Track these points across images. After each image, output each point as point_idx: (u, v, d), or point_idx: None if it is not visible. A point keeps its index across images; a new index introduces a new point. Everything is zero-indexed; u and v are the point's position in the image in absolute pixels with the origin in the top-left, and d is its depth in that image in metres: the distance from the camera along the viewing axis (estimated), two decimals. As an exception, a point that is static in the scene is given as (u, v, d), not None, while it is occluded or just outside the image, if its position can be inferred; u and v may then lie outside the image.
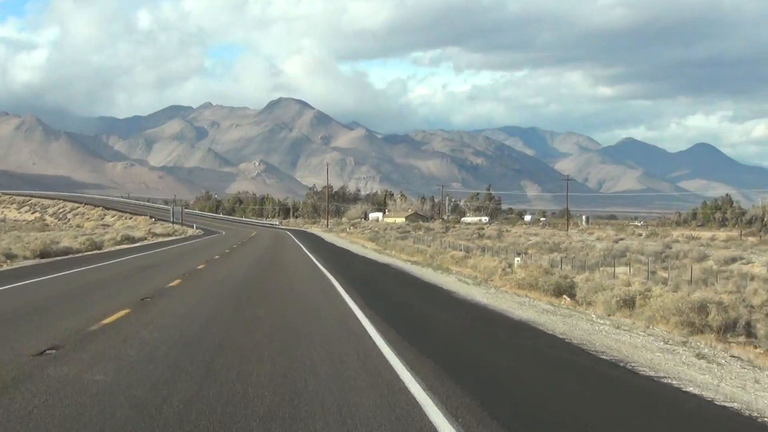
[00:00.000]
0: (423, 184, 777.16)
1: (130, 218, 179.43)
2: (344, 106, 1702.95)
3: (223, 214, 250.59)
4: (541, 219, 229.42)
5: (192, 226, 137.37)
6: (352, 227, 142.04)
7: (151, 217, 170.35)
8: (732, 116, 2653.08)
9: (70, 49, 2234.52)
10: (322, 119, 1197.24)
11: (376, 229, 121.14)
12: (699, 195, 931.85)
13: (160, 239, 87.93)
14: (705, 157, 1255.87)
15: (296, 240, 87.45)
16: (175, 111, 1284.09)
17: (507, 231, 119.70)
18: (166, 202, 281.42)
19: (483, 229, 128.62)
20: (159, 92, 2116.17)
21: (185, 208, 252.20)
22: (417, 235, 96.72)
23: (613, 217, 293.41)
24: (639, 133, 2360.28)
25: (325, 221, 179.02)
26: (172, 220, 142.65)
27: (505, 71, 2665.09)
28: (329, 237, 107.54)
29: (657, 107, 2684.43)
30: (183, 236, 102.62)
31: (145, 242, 76.80)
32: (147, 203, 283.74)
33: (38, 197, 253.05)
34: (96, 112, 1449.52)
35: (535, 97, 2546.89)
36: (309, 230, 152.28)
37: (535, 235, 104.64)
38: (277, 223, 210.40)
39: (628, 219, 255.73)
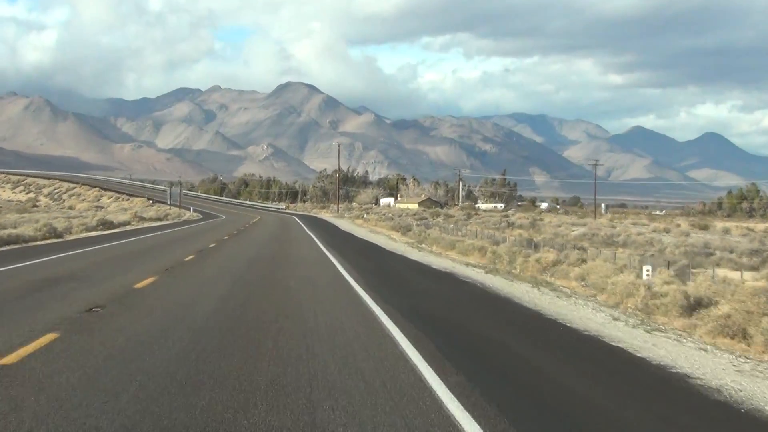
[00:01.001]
0: (431, 170, 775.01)
1: (128, 200, 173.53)
2: (353, 90, 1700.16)
3: (228, 197, 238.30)
4: (556, 206, 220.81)
5: (190, 209, 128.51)
6: (366, 213, 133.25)
7: (149, 199, 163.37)
8: (741, 106, 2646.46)
9: (79, 30, 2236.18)
10: (331, 104, 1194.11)
11: (390, 215, 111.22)
12: (707, 185, 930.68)
13: (147, 224, 78.82)
14: (714, 146, 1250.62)
15: (306, 228, 69.93)
16: (183, 93, 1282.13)
17: (539, 220, 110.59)
18: (171, 184, 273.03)
19: (508, 216, 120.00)
20: (168, 74, 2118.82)
21: (189, 191, 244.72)
22: (435, 222, 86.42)
23: (623, 205, 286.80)
24: (648, 121, 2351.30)
25: (335, 206, 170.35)
26: (169, 202, 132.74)
27: (515, 58, 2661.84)
28: (344, 225, 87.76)
29: (667, 96, 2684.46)
30: (175, 221, 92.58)
31: (128, 228, 66.84)
32: (148, 185, 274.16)
33: (34, 177, 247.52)
34: (104, 93, 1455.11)
35: (544, 84, 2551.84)
36: (319, 216, 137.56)
37: (573, 224, 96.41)
38: (284, 207, 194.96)
39: (638, 208, 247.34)
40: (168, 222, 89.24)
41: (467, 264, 32.61)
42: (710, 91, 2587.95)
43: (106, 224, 63.28)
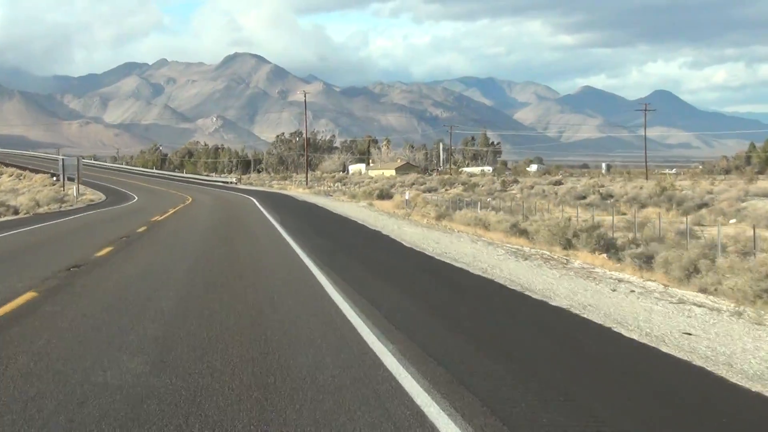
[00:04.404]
0: (382, 137, 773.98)
1: (30, 177, 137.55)
2: (302, 60, 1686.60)
3: (170, 170, 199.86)
4: (538, 166, 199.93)
5: (93, 189, 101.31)
6: (344, 185, 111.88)
7: (52, 176, 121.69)
8: (692, 62, 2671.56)
9: (26, 6, 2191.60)
10: (279, 74, 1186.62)
11: (381, 186, 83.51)
12: (659, 143, 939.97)
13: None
14: (664, 104, 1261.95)
15: (276, 224, 37.11)
16: (130, 68, 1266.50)
17: (670, 189, 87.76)
18: (114, 159, 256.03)
19: (561, 184, 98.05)
20: (116, 50, 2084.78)
21: (115, 164, 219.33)
22: (454, 195, 66.21)
23: (585, 166, 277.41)
24: (600, 81, 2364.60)
25: (298, 177, 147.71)
26: (62, 178, 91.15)
27: (466, 21, 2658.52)
28: (338, 207, 59.03)
29: (618, 55, 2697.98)
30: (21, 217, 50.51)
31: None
32: (61, 157, 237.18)
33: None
34: (53, 70, 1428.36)
35: (495, 47, 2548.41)
36: (287, 192, 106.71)
37: (625, 185, 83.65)
38: (235, 181, 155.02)
39: (597, 167, 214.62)
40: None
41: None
42: (661, 49, 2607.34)
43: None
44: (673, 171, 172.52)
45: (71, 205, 67.72)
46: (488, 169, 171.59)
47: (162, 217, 43.50)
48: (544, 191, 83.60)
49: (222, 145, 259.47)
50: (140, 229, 32.69)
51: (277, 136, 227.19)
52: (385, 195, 72.26)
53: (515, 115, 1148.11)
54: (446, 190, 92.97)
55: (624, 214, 47.40)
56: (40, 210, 58.26)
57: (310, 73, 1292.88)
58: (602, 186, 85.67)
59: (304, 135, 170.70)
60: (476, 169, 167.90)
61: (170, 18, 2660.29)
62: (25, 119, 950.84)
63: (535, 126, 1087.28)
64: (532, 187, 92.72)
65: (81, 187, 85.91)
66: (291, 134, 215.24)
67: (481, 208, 46.17)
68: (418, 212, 47.90)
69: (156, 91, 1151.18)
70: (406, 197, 55.64)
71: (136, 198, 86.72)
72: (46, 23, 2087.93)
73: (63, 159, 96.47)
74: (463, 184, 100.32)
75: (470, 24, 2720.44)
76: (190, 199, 77.28)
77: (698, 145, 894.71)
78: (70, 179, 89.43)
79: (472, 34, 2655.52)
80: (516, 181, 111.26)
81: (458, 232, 34.77)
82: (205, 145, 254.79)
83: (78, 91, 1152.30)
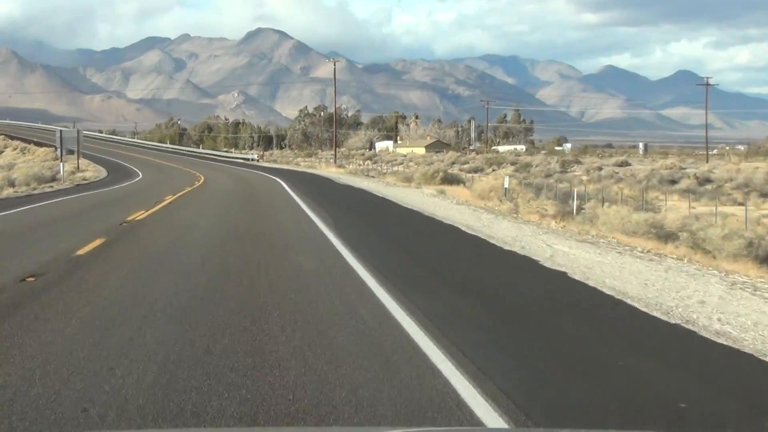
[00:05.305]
0: (408, 114, 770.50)
1: (34, 151, 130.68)
2: (325, 36, 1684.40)
3: (188, 145, 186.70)
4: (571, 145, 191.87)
5: (96, 164, 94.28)
6: (371, 163, 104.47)
7: (56, 150, 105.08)
8: (716, 42, 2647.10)
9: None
10: (302, 49, 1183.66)
11: (438, 167, 68.15)
12: (681, 123, 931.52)
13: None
14: (687, 84, 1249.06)
15: (331, 236, 20.87)
16: (152, 42, 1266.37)
17: (638, 163, 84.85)
18: (134, 134, 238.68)
19: (600, 168, 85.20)
20: (139, 24, 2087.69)
21: (126, 137, 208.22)
22: (526, 178, 56.95)
23: (609, 145, 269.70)
24: (623, 60, 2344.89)
25: (324, 154, 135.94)
26: (60, 153, 78.13)
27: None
28: (399, 196, 43.11)
29: (642, 34, 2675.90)
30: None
31: None
32: (58, 128, 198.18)
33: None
34: (75, 44, 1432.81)
35: (519, 25, 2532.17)
36: (314, 171, 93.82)
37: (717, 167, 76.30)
38: (256, 157, 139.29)
39: (623, 148, 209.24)
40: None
41: None
42: (685, 29, 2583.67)
43: None
44: (714, 152, 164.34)
45: (51, 186, 55.91)
46: (521, 147, 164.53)
47: (145, 215, 27.35)
48: (617, 174, 73.25)
49: (243, 120, 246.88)
50: (81, 251, 16.86)
51: (301, 110, 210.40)
52: (449, 178, 58.06)
53: (537, 94, 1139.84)
54: (493, 170, 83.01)
55: (740, 204, 38.76)
56: (10, 191, 48.92)
57: (333, 50, 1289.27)
58: (681, 168, 78.64)
59: (330, 109, 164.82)
60: (509, 148, 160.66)
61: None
62: (48, 93, 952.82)
63: (558, 105, 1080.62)
64: (600, 169, 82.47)
65: (84, 162, 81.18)
66: (315, 108, 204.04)
67: (577, 197, 34.50)
68: (524, 205, 33.66)
69: (178, 66, 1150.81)
70: (506, 184, 39.80)
71: (140, 176, 75.92)
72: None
73: (60, 131, 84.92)
74: (513, 164, 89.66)
75: (494, 1, 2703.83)
76: (201, 180, 62.69)
77: (720, 126, 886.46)
78: (70, 152, 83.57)
79: (495, 11, 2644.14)
80: (578, 162, 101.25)
81: (648, 251, 20.08)
82: (226, 119, 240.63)
83: (100, 65, 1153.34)
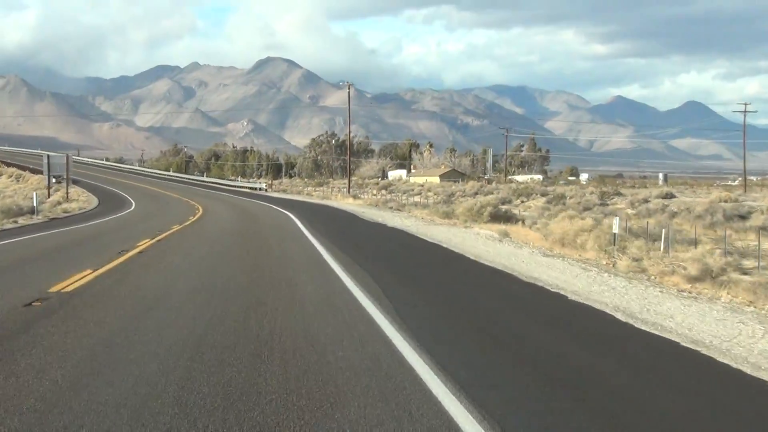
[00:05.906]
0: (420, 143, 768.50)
1: (28, 179, 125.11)
2: (335, 65, 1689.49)
3: (194, 174, 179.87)
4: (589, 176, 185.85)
5: (91, 193, 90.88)
6: (386, 192, 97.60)
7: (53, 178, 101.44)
8: (725, 74, 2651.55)
9: (59, 7, 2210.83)
10: (311, 78, 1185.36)
11: (488, 201, 58.13)
12: (689, 153, 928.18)
13: None
14: (696, 115, 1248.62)
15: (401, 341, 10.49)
16: (162, 71, 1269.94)
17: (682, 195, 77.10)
18: (141, 162, 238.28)
19: (646, 200, 74.16)
20: (149, 52, 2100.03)
21: (127, 165, 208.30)
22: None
23: (619, 175, 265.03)
24: (632, 91, 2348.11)
25: (336, 183, 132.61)
26: (47, 180, 76.62)
27: (499, 29, 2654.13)
28: (454, 241, 31.72)
29: (651, 65, 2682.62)
30: None
31: None
32: (46, 153, 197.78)
33: None
34: (85, 72, 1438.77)
35: (528, 55, 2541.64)
36: (330, 202, 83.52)
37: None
38: (264, 186, 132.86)
39: (633, 178, 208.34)
40: None
41: None
42: (694, 60, 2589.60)
43: None
44: (736, 183, 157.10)
45: (15, 222, 45.77)
46: (538, 177, 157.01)
47: (91, 277, 17.25)
48: (667, 207, 62.64)
49: (251, 147, 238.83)
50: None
51: (313, 139, 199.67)
52: (499, 214, 48.32)
53: (546, 124, 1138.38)
54: (521, 201, 74.09)
55: None
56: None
57: (342, 79, 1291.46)
58: (735, 200, 71.16)
59: (342, 137, 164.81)
60: (525, 177, 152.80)
61: (204, 21, 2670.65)
62: (56, 121, 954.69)
63: (566, 135, 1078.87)
64: (646, 201, 72.16)
65: (78, 190, 79.21)
66: (324, 134, 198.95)
67: (671, 241, 28.14)
68: (647, 260, 24.52)
69: (188, 94, 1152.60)
70: (615, 228, 29.32)
71: (132, 207, 69.24)
72: (80, 24, 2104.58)
73: (48, 156, 77.35)
74: (543, 195, 79.94)
75: (503, 32, 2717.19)
76: (198, 213, 54.50)
77: (729, 157, 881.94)
78: (57, 179, 79.63)
79: (504, 42, 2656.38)
80: (619, 194, 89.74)
81: None
82: (233, 147, 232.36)
83: (110, 93, 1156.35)
